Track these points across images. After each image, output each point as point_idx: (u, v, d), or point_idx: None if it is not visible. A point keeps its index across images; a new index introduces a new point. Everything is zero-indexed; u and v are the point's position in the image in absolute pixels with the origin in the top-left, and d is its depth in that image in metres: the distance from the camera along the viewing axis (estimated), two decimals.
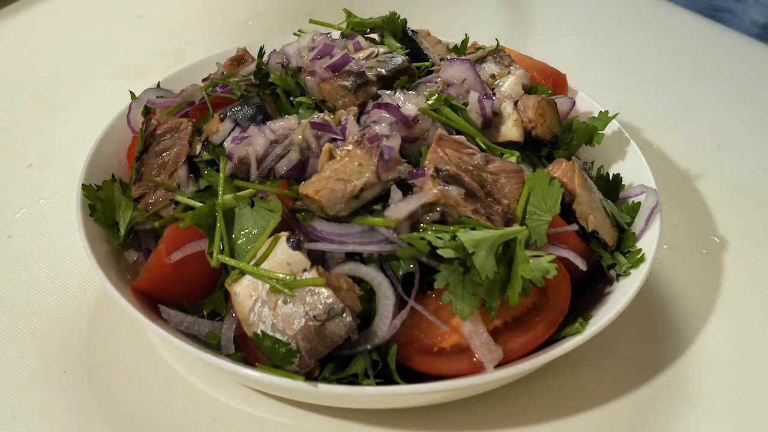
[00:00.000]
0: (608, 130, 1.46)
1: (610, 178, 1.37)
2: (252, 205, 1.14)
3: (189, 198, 1.25)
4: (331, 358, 1.07)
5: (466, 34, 1.65)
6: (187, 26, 2.26)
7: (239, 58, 1.56)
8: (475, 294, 1.06)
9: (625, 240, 1.26)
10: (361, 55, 1.40)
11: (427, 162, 1.17)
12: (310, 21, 1.60)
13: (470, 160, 1.19)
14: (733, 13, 2.16)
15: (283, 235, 1.08)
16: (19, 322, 1.31)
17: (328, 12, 1.63)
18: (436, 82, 1.34)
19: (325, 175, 1.14)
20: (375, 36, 1.59)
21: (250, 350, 1.10)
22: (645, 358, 1.25)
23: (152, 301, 1.18)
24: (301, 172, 1.21)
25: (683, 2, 2.30)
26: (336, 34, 1.53)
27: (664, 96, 1.95)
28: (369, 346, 1.08)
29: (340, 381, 1.07)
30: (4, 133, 1.78)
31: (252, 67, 1.46)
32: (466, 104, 1.30)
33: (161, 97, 1.49)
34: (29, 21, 2.26)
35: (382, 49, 1.43)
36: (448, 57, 1.47)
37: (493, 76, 1.46)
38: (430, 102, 1.27)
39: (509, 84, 1.44)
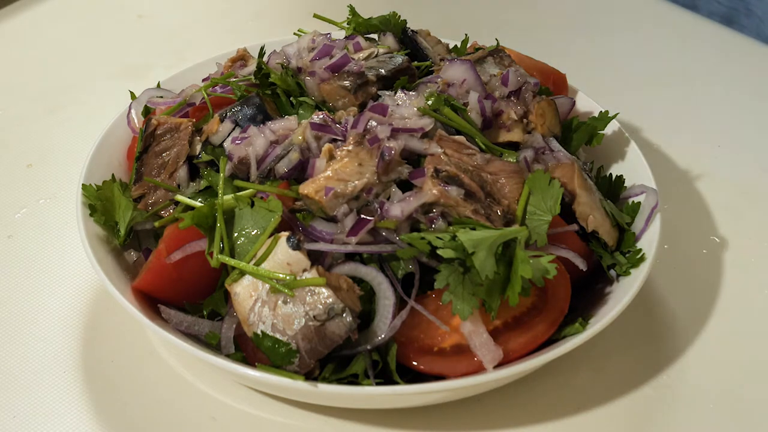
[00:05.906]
0: (608, 130, 1.46)
1: (611, 178, 1.37)
2: (252, 205, 1.14)
3: (189, 198, 1.25)
4: (331, 358, 1.07)
5: (466, 34, 1.65)
6: (187, 26, 2.26)
7: (239, 58, 1.56)
8: (475, 294, 1.06)
9: (625, 240, 1.26)
10: (361, 55, 1.40)
11: (426, 162, 1.17)
12: (314, 16, 1.60)
13: (470, 160, 1.19)
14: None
15: (283, 235, 1.08)
16: (19, 322, 1.31)
17: (327, 12, 1.63)
18: (436, 83, 1.34)
19: (325, 176, 1.14)
20: (375, 36, 1.59)
21: (250, 350, 1.10)
22: (645, 358, 1.25)
23: (152, 301, 1.18)
24: (301, 172, 1.21)
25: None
26: (337, 34, 1.53)
27: (664, 96, 1.95)
28: (369, 346, 1.07)
29: (340, 381, 1.07)
30: (4, 133, 1.78)
31: (252, 67, 1.46)
32: (466, 104, 1.30)
33: (161, 97, 1.49)
34: (29, 21, 2.26)
35: (381, 50, 1.43)
36: (448, 57, 1.47)
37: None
38: (430, 102, 1.27)
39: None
